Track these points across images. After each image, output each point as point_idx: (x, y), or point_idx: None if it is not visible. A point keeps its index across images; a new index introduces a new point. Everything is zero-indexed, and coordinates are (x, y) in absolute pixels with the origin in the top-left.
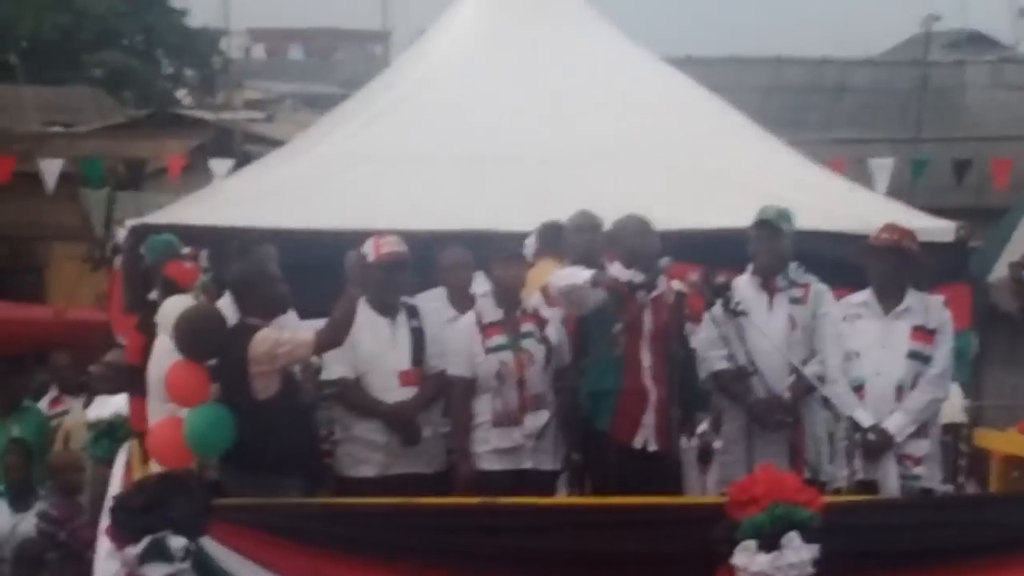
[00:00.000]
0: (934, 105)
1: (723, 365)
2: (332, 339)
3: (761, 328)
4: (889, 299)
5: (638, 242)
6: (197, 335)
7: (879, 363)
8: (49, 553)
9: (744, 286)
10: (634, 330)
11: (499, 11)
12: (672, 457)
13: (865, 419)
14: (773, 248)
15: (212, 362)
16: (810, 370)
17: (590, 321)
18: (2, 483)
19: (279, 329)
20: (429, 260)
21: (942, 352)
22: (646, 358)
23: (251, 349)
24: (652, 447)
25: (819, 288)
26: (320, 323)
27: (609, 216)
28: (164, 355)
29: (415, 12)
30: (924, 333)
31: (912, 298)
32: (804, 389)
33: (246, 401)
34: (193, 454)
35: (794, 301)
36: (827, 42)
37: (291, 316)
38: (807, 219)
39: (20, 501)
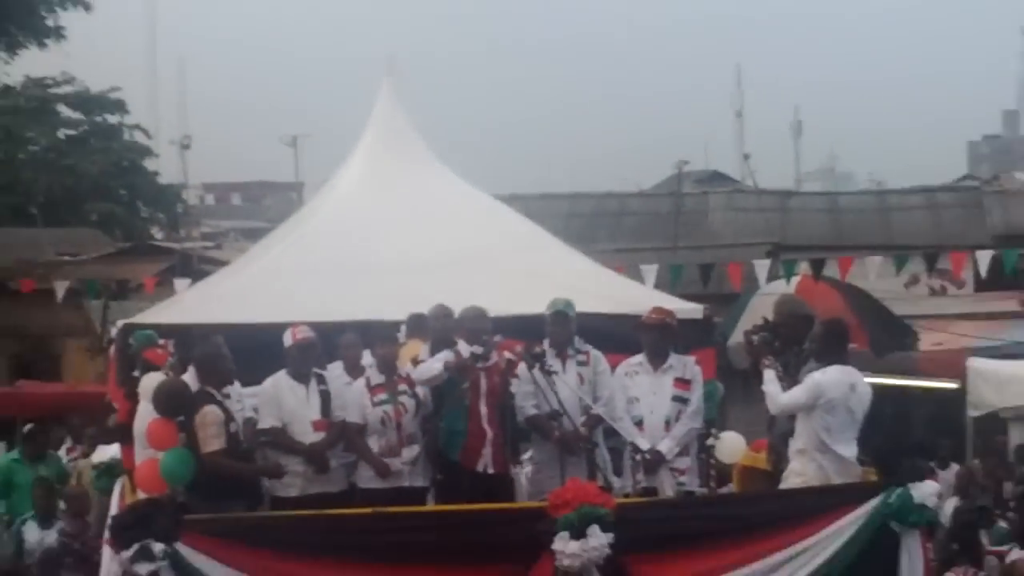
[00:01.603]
0: (686, 224)
1: (534, 411)
2: (218, 472)
3: (564, 382)
4: (657, 360)
5: (476, 325)
6: (169, 399)
7: (652, 405)
8: (67, 558)
9: (547, 354)
10: (475, 388)
11: (378, 168)
12: (507, 476)
13: (644, 444)
14: (564, 329)
15: (180, 419)
16: (598, 410)
17: (445, 383)
18: (32, 509)
19: (212, 422)
20: (332, 342)
21: (695, 395)
22: (483, 409)
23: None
24: (490, 470)
25: (596, 354)
26: (253, 390)
27: (457, 307)
28: (145, 415)
29: (320, 168)
30: (682, 382)
31: (673, 358)
32: (595, 422)
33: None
34: (166, 485)
35: (580, 364)
36: (610, 179)
37: (236, 386)
38: (597, 305)
39: (45, 521)
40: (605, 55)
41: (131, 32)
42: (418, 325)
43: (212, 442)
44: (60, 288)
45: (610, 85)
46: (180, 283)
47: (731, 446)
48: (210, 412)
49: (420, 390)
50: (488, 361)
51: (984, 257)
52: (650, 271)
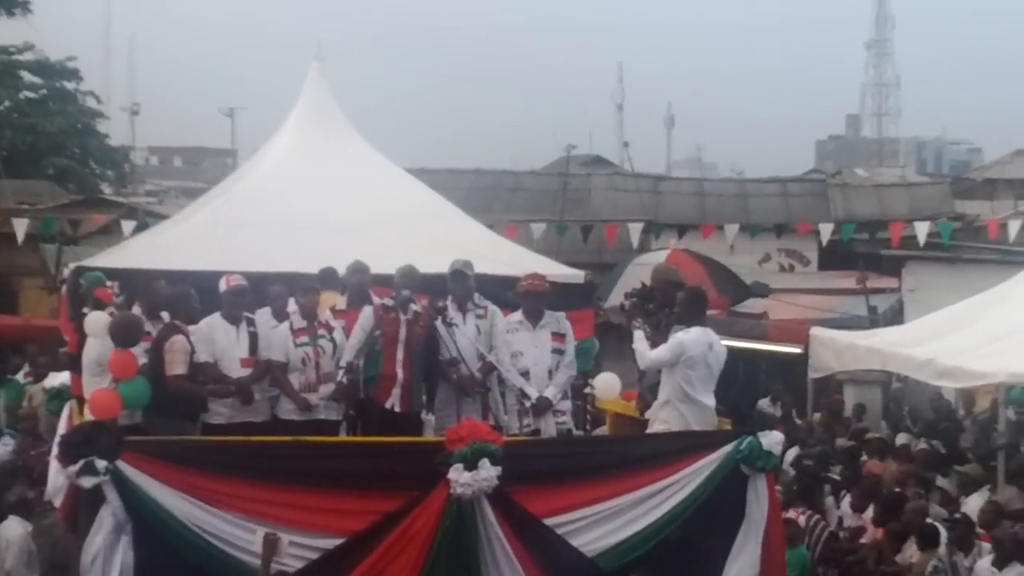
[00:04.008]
0: (572, 200)
1: (439, 358)
2: (180, 392)
3: (463, 333)
4: (534, 318)
5: (406, 281)
6: (125, 331)
7: (535, 358)
8: (18, 469)
9: (449, 308)
10: (391, 335)
11: (304, 139)
12: (412, 415)
13: (533, 393)
14: (463, 285)
15: (146, 348)
16: (491, 358)
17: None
18: None
19: (179, 350)
20: (261, 290)
21: (570, 348)
22: (399, 354)
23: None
24: (397, 408)
25: (493, 309)
26: (189, 329)
27: (372, 264)
28: (92, 347)
29: (253, 137)
30: (558, 336)
31: (548, 316)
32: (489, 369)
33: (158, 375)
34: (120, 408)
35: (479, 317)
36: (506, 158)
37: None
38: (490, 267)
39: None
40: (509, 47)
41: (89, 7)
42: (329, 277)
43: (177, 367)
44: (20, 228)
45: (508, 75)
46: (127, 226)
47: (608, 384)
48: (179, 340)
49: (338, 334)
50: (408, 313)
51: (826, 229)
52: (538, 228)
